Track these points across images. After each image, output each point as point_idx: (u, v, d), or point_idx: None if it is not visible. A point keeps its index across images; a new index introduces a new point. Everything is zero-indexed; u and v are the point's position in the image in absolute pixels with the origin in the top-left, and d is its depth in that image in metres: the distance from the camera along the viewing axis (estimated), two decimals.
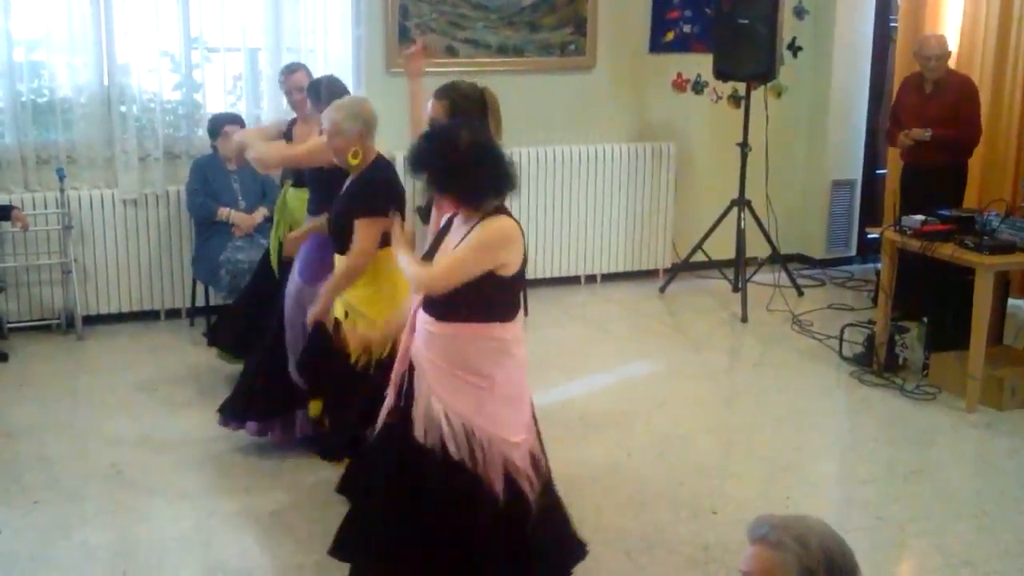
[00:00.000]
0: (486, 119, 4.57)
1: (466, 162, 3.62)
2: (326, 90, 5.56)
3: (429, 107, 4.64)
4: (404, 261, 3.82)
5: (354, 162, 4.70)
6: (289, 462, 5.28)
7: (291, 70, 6.35)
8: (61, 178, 7.01)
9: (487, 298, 3.67)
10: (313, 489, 5.03)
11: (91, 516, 4.80)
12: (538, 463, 3.86)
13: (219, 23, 7.42)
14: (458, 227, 3.78)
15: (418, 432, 3.74)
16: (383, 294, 4.61)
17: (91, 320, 7.25)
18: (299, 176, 5.88)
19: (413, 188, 6.02)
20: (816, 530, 2.35)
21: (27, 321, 7.18)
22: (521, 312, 3.87)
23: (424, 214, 4.99)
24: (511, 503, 3.75)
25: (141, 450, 5.50)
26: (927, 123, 7.07)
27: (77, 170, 7.20)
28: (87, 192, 7.19)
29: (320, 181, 5.28)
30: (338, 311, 4.72)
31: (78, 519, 4.76)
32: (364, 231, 4.60)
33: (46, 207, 7.08)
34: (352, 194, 4.72)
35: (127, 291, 7.37)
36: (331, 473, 5.00)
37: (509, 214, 3.75)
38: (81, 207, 7.15)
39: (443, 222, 3.95)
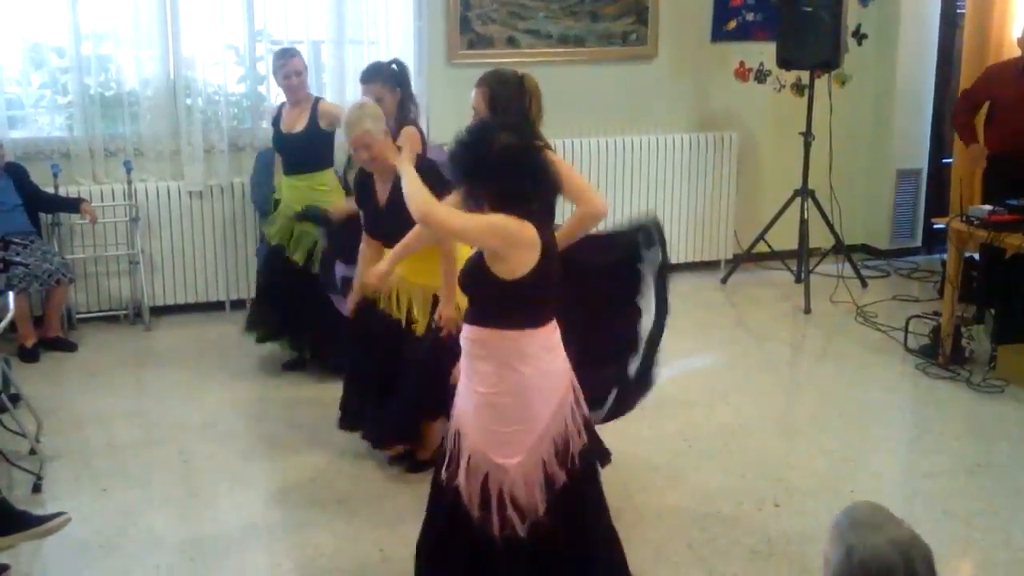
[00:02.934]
0: (526, 105, 4.59)
1: (498, 163, 3.50)
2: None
3: (472, 95, 4.67)
4: (409, 180, 3.65)
5: (394, 161, 4.73)
6: (352, 450, 5.32)
7: (290, 55, 6.38)
8: (128, 171, 7.13)
9: (506, 304, 3.54)
10: (379, 478, 5.09)
11: (158, 503, 4.88)
12: (534, 492, 3.58)
13: (283, 16, 7.47)
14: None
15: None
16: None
17: (158, 311, 7.36)
18: (294, 164, 6.22)
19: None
20: (874, 544, 2.31)
21: (95, 312, 7.30)
22: (550, 329, 3.62)
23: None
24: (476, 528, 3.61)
25: (207, 438, 5.57)
26: None
27: (144, 162, 7.30)
28: (154, 184, 7.29)
29: None
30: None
31: (146, 506, 4.83)
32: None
33: (114, 199, 7.19)
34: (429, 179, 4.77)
35: (193, 282, 7.46)
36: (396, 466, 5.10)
37: (540, 226, 3.57)
38: (148, 199, 7.25)
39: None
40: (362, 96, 5.80)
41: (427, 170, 4.76)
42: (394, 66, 5.98)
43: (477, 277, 3.57)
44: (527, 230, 3.46)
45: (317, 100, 6.41)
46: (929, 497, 4.96)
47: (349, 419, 5.23)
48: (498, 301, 3.53)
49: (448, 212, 3.55)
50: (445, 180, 4.61)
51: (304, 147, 6.27)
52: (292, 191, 6.35)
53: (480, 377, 3.57)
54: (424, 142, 5.84)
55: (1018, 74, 6.91)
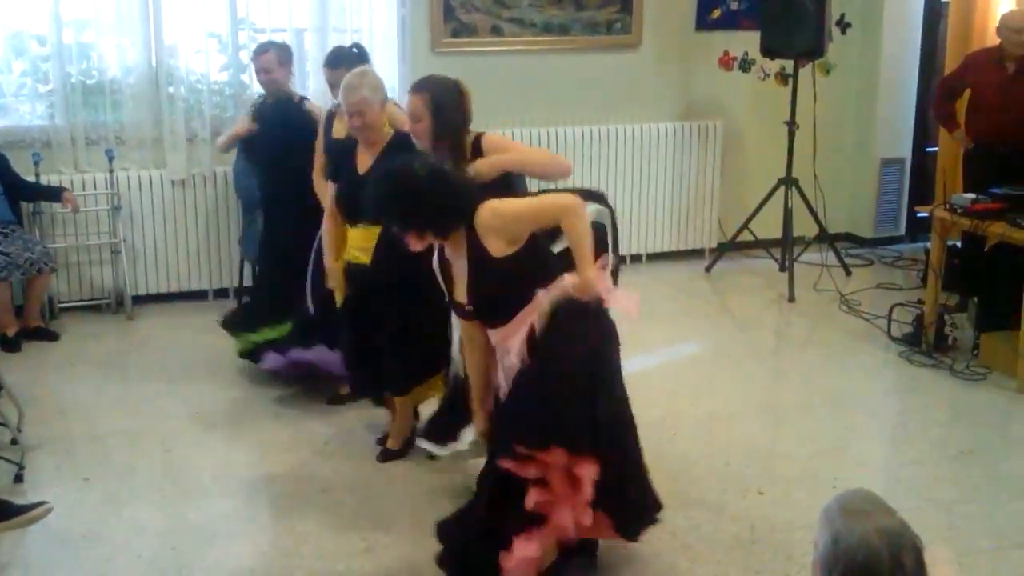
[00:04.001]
0: (462, 108, 4.61)
1: (431, 195, 3.72)
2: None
3: (408, 103, 4.66)
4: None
5: (390, 130, 4.96)
6: (338, 439, 5.32)
7: (263, 50, 6.34)
8: (110, 159, 7.09)
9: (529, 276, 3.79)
10: (364, 468, 5.07)
11: (141, 493, 4.86)
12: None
13: (266, 4, 7.44)
14: (453, 256, 3.86)
15: None
16: None
17: (140, 300, 7.34)
18: None
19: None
20: (861, 532, 2.30)
21: (77, 301, 7.27)
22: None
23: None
24: None
25: (190, 428, 5.55)
26: (1013, 104, 6.81)
27: (126, 151, 7.27)
28: (136, 173, 7.26)
29: None
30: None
31: (129, 496, 4.81)
32: None
33: (95, 188, 7.15)
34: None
35: (175, 271, 7.43)
36: (376, 450, 5.10)
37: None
38: (130, 188, 7.22)
39: (437, 270, 4.01)
40: (327, 81, 5.94)
41: (405, 143, 4.87)
42: (354, 49, 5.95)
43: (496, 286, 3.77)
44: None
45: (302, 99, 6.39)
46: (912, 484, 4.98)
47: (370, 388, 5.27)
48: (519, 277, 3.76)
49: (552, 199, 3.87)
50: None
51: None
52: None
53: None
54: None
55: (997, 62, 6.93)
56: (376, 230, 4.82)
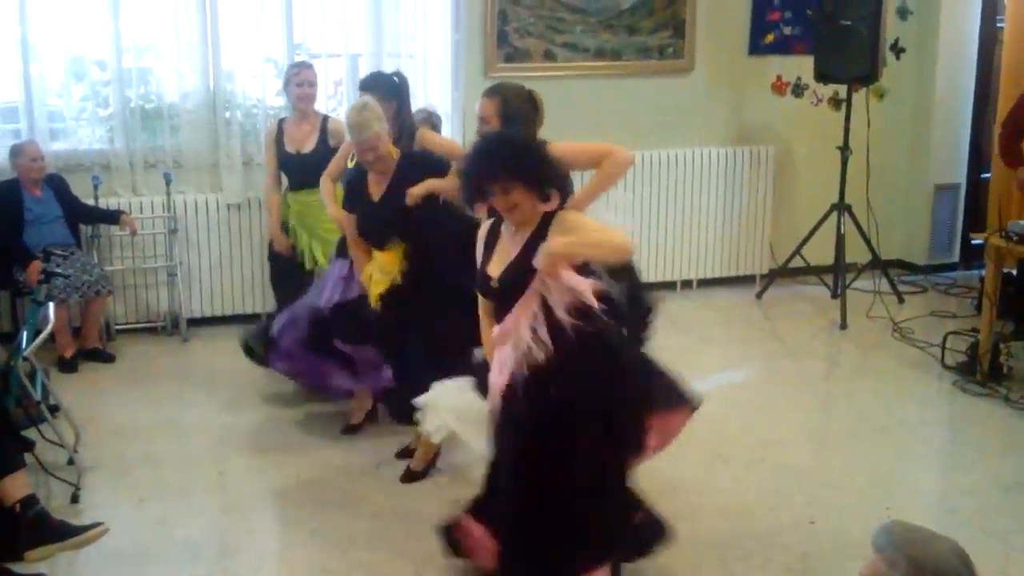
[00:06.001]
0: (536, 118, 4.71)
1: (535, 152, 3.80)
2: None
3: (478, 106, 4.73)
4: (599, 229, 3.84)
5: (394, 157, 5.08)
6: (390, 463, 5.35)
7: (305, 65, 6.49)
8: (168, 182, 7.19)
9: None
10: (418, 494, 5.11)
11: (195, 514, 4.91)
12: None
13: (321, 29, 7.53)
14: (510, 238, 3.85)
15: None
16: None
17: (195, 322, 7.42)
18: (303, 182, 6.28)
19: None
20: (937, 554, 2.34)
21: (134, 323, 7.37)
22: None
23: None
24: None
25: (244, 450, 5.61)
26: None
27: (183, 175, 7.36)
28: (192, 196, 7.35)
29: None
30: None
31: (183, 517, 4.86)
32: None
33: (153, 211, 7.25)
34: (419, 177, 5.03)
35: (230, 294, 7.51)
36: (432, 483, 5.16)
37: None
38: (187, 211, 7.31)
39: (481, 240, 4.00)
40: None
41: (420, 160, 5.10)
42: (395, 78, 5.99)
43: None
44: None
45: (325, 118, 6.49)
46: (967, 515, 4.92)
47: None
48: None
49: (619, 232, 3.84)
50: (441, 164, 5.06)
51: (315, 166, 6.14)
52: (301, 206, 6.49)
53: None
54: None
55: None
56: (398, 252, 4.99)
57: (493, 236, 3.94)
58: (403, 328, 5.08)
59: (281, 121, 6.49)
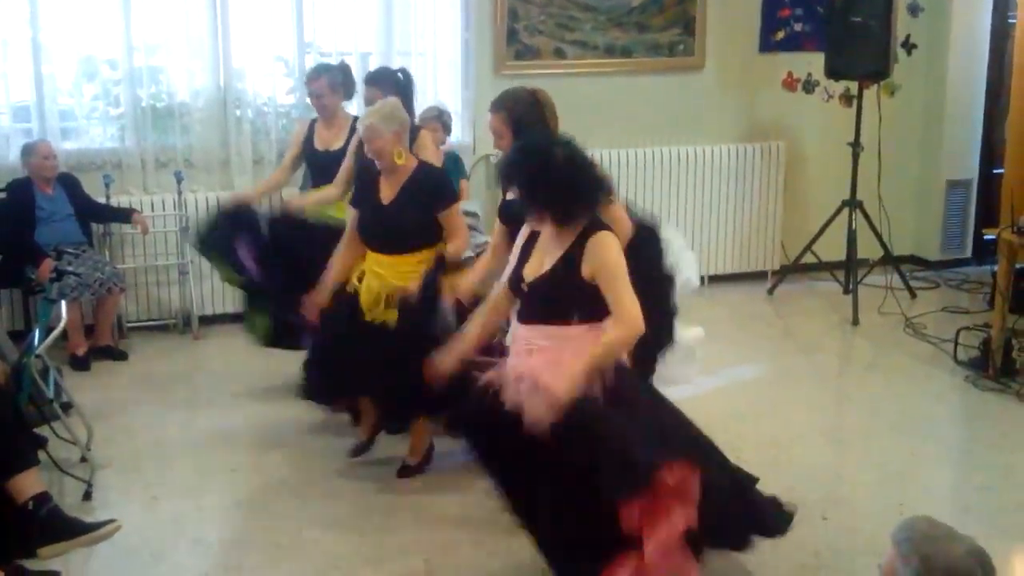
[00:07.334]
0: (545, 119, 4.63)
1: (562, 178, 3.72)
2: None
3: (489, 120, 4.72)
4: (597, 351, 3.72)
5: (400, 162, 4.93)
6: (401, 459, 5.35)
7: (312, 77, 6.32)
8: (179, 181, 7.20)
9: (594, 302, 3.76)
10: (424, 488, 5.11)
11: (208, 511, 4.93)
12: None
13: (332, 28, 7.54)
14: (550, 241, 3.84)
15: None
16: None
17: (207, 320, 7.43)
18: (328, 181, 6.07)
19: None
20: (950, 554, 2.33)
21: (146, 321, 7.39)
22: None
23: (504, 213, 5.02)
24: None
25: (256, 447, 5.62)
26: None
27: (194, 173, 7.38)
28: (203, 195, 7.35)
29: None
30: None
31: (195, 514, 4.88)
32: (458, 215, 5.02)
33: (164, 209, 7.27)
34: (429, 191, 4.97)
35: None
36: (437, 478, 5.15)
37: (603, 224, 3.83)
38: (198, 209, 7.30)
39: (523, 237, 4.00)
40: (364, 97, 6.06)
41: (436, 180, 5.05)
42: (399, 75, 5.98)
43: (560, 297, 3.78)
44: (613, 238, 3.80)
45: (355, 119, 6.44)
46: (981, 512, 4.90)
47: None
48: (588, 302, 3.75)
49: (633, 305, 3.68)
50: (453, 194, 5.04)
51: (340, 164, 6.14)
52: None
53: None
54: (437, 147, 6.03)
55: None
56: (398, 258, 4.92)
57: (533, 239, 3.95)
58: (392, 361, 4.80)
59: (313, 121, 6.39)
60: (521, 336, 3.89)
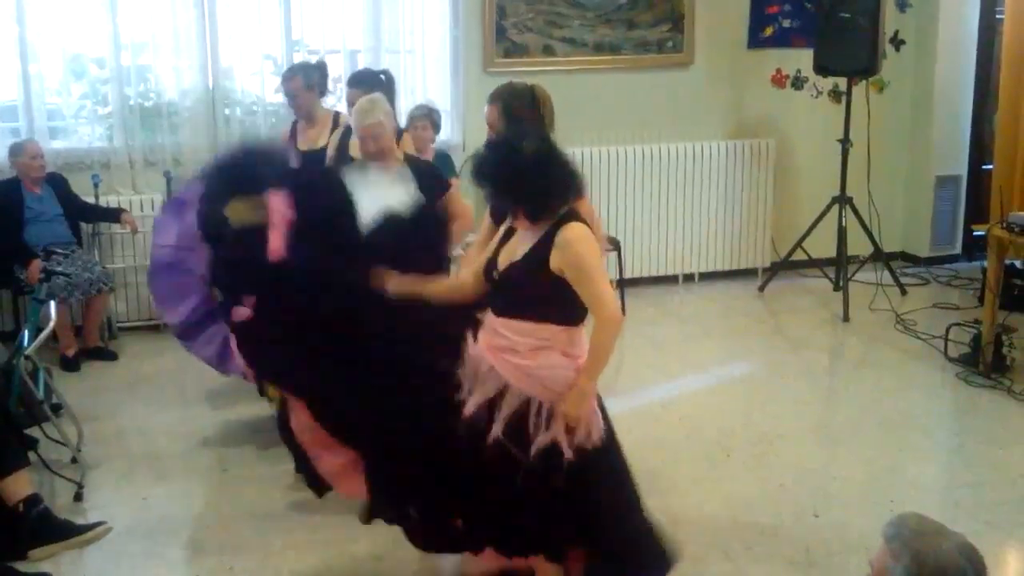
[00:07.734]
0: (539, 116, 4.63)
1: (531, 173, 3.67)
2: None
3: (485, 111, 4.72)
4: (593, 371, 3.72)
5: (399, 155, 5.01)
6: None
7: (286, 77, 6.31)
8: (168, 180, 7.18)
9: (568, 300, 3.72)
10: None
11: (199, 512, 4.91)
12: None
13: (320, 26, 7.53)
14: (524, 233, 3.81)
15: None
16: None
17: None
18: None
19: None
20: (940, 550, 2.34)
21: (136, 321, 7.36)
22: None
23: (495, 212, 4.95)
24: None
25: (247, 448, 5.60)
26: None
27: (183, 172, 7.32)
28: None
29: None
30: None
31: (186, 515, 4.87)
32: (459, 198, 5.09)
33: (153, 209, 7.22)
34: (426, 185, 4.94)
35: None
36: None
37: (577, 216, 3.76)
38: None
39: (504, 228, 3.98)
40: (347, 100, 5.99)
41: (427, 171, 5.04)
42: (382, 76, 5.97)
43: (527, 288, 3.72)
44: (587, 230, 3.71)
45: (337, 115, 6.43)
46: (971, 508, 4.91)
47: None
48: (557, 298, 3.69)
49: (608, 295, 3.65)
50: (444, 181, 5.02)
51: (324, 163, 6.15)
52: None
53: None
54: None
55: None
56: None
57: (513, 230, 3.93)
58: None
59: (295, 122, 6.41)
60: (491, 327, 3.83)
